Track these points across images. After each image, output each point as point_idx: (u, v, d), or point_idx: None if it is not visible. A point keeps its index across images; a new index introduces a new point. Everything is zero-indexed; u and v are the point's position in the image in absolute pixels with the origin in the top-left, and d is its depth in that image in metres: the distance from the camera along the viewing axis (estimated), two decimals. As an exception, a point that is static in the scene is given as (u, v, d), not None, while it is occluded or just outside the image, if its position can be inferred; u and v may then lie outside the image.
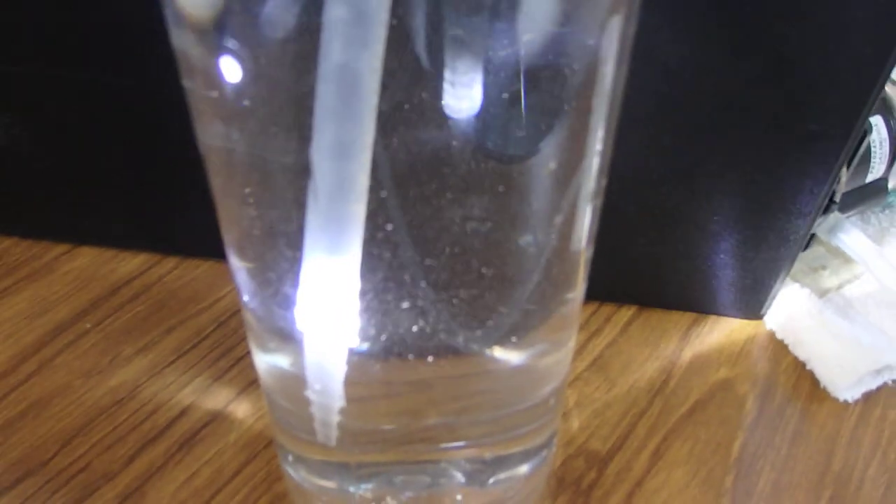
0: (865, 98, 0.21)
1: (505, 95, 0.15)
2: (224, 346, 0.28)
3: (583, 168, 0.18)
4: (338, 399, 0.18)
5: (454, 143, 0.16)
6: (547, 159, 0.17)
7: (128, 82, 0.25)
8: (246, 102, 0.16)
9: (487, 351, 0.20)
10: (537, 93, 0.15)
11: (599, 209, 0.20)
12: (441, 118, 0.15)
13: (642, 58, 0.21)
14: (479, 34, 0.14)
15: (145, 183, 0.29)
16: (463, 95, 0.15)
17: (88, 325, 0.28)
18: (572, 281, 0.20)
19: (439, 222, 0.17)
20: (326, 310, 0.16)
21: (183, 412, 0.25)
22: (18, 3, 0.25)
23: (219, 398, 0.26)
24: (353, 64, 0.14)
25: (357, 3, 0.14)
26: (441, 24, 0.14)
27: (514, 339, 0.20)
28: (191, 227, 0.30)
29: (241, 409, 0.25)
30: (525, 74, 0.15)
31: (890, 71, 0.21)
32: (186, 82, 0.16)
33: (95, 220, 0.31)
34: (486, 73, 0.15)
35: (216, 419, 0.25)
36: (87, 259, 0.31)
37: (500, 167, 0.16)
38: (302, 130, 0.15)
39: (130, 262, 0.31)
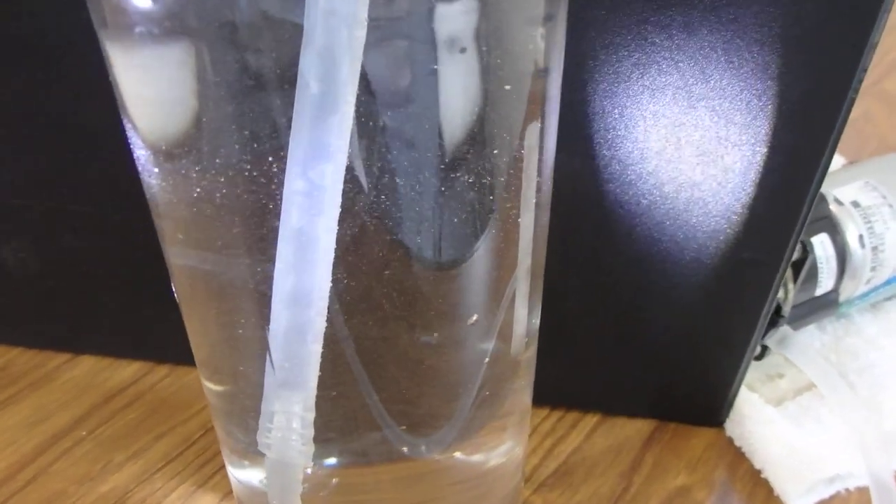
0: (792, 229, 0.23)
1: (436, 205, 0.17)
2: (209, 451, 0.29)
3: (515, 273, 0.19)
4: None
5: (397, 261, 0.17)
6: (480, 264, 0.18)
7: (124, 215, 0.27)
8: (207, 227, 0.17)
9: (440, 456, 0.21)
10: (465, 198, 0.17)
11: (537, 317, 0.22)
12: (385, 238, 0.17)
13: (580, 207, 0.24)
14: (408, 146, 0.16)
15: (140, 297, 0.31)
16: (402, 213, 0.17)
17: (84, 433, 0.30)
18: (515, 384, 0.22)
19: (386, 341, 0.19)
20: (284, 435, 0.18)
21: (168, 519, 0.27)
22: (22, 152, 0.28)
23: (202, 505, 0.27)
24: (310, 229, 0.16)
25: (314, 177, 0.15)
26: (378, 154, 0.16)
27: (466, 442, 0.21)
28: (182, 338, 0.31)
29: (223, 516, 0.27)
30: (453, 183, 0.17)
31: (810, 207, 0.23)
32: (150, 201, 0.18)
33: (94, 330, 0.33)
34: (417, 186, 0.16)
35: (198, 526, 0.26)
36: (85, 368, 0.33)
37: (439, 278, 0.18)
38: (263, 252, 0.17)
39: (126, 371, 0.33)
